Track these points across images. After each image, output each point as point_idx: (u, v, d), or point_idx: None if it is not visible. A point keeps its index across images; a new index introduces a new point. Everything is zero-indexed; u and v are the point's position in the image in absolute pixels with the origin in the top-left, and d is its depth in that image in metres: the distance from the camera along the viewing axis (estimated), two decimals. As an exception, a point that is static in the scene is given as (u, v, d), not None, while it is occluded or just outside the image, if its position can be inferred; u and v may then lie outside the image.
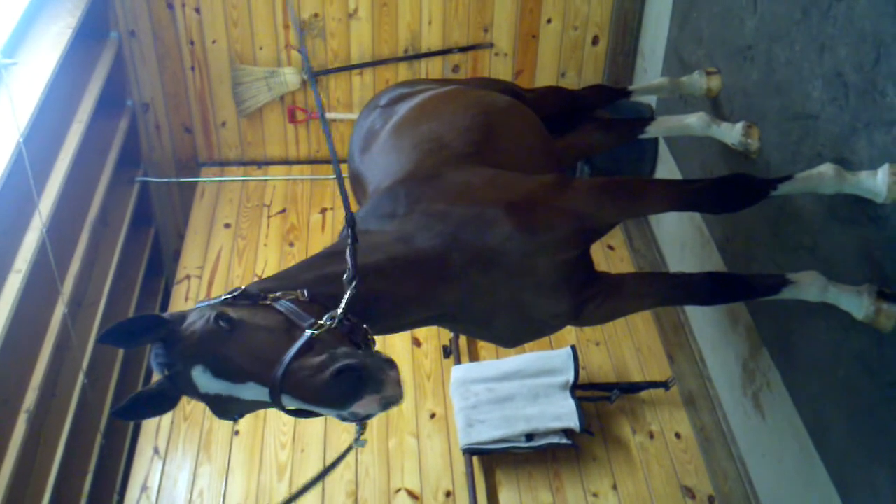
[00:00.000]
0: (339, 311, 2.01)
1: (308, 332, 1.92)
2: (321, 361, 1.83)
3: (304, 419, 2.02)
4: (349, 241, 2.14)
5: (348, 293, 2.06)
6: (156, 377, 2.07)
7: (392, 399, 1.82)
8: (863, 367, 2.64)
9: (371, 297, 2.17)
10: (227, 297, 2.08)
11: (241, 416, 2.04)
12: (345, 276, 2.10)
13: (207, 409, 2.01)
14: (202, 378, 1.91)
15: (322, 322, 1.97)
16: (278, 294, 2.08)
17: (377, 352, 1.94)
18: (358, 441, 2.01)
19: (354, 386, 1.78)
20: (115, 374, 4.24)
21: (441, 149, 2.70)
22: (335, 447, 3.88)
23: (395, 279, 2.30)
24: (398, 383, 1.84)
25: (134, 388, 4.46)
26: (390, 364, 1.86)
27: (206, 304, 2.05)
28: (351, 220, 2.18)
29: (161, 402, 2.02)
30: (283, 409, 1.89)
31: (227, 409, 1.97)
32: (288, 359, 1.85)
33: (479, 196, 2.47)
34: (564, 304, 2.61)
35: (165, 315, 2.01)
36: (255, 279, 3.39)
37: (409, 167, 2.64)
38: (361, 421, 1.85)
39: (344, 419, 1.82)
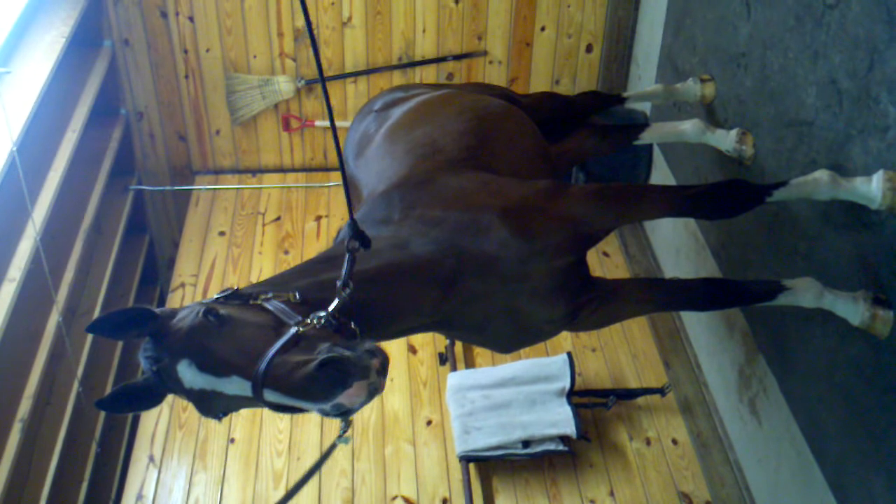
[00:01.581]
0: (328, 311, 2.00)
1: (294, 329, 1.91)
2: (304, 356, 1.82)
3: (283, 413, 1.98)
4: (347, 247, 2.13)
5: (339, 298, 2.05)
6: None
7: (374, 386, 1.80)
8: (859, 373, 2.64)
9: (366, 304, 2.16)
10: (219, 296, 2.08)
11: (226, 413, 2.02)
12: (338, 283, 2.10)
13: (196, 410, 1.99)
14: (188, 372, 1.90)
15: (308, 320, 1.96)
16: (269, 295, 2.08)
17: (362, 342, 1.91)
18: (341, 438, 2.00)
19: (335, 380, 1.76)
20: (109, 383, 4.22)
21: (435, 153, 2.70)
22: (332, 454, 3.86)
23: (391, 285, 2.29)
24: (380, 371, 1.82)
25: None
26: (373, 353, 1.84)
27: (193, 305, 2.05)
28: (355, 228, 2.17)
29: (146, 397, 2.00)
30: (264, 403, 1.87)
31: (212, 405, 1.95)
32: (271, 353, 1.84)
33: (474, 201, 2.47)
34: (560, 309, 2.61)
35: (156, 310, 2.00)
36: (251, 287, 3.39)
37: (404, 172, 2.64)
38: (343, 416, 1.83)
39: (326, 414, 1.80)
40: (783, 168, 3.04)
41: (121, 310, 1.96)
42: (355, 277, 2.11)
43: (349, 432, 1.99)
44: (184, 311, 2.01)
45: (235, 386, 1.88)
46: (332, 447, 2.08)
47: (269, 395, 1.84)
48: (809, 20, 2.85)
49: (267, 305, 2.04)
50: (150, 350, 1.95)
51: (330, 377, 1.77)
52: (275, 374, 1.82)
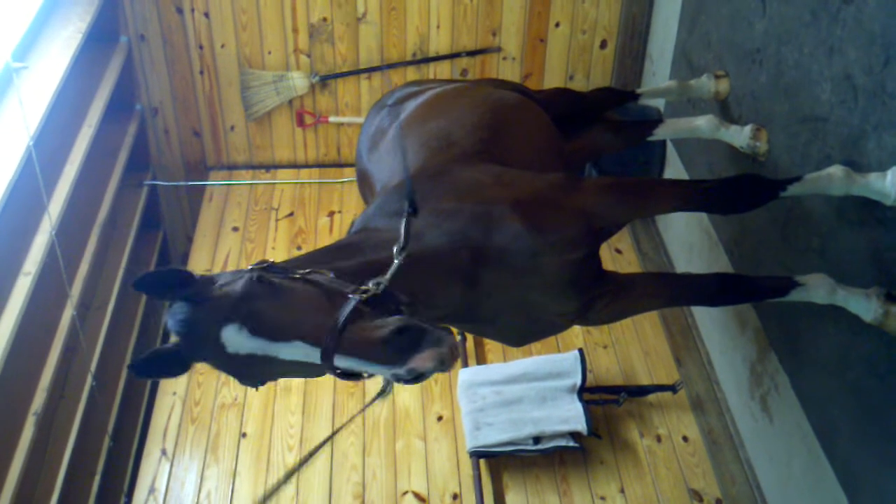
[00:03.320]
0: (387, 277, 2.02)
1: (356, 297, 1.92)
2: (377, 322, 1.85)
3: (346, 380, 1.99)
4: (406, 211, 2.17)
5: (398, 261, 2.08)
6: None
7: (447, 356, 1.80)
8: (871, 370, 2.63)
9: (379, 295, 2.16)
10: (255, 266, 2.05)
11: (265, 382, 2.02)
12: (395, 247, 2.13)
13: (234, 377, 1.99)
14: (236, 337, 1.88)
15: (367, 287, 1.97)
16: (308, 270, 2.08)
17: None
18: (384, 394, 2.06)
19: (414, 342, 1.79)
20: (122, 377, 4.24)
21: (449, 146, 2.70)
22: (342, 449, 3.88)
23: (404, 277, 2.29)
24: (455, 346, 1.84)
25: (141, 391, 4.47)
26: (446, 329, 1.87)
27: (231, 273, 2.04)
28: (410, 190, 2.18)
29: (175, 363, 1.98)
30: (333, 369, 1.88)
31: (256, 371, 1.95)
32: (342, 318, 1.85)
33: (488, 194, 2.47)
34: (572, 303, 2.61)
35: (196, 275, 1.99)
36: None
37: (417, 165, 2.64)
38: (415, 381, 1.83)
39: (398, 378, 1.82)
40: (797, 164, 3.03)
41: (164, 270, 1.97)
42: (368, 269, 2.12)
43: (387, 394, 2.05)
44: (225, 276, 2.01)
45: (297, 351, 1.88)
46: (374, 399, 2.11)
47: (340, 361, 1.85)
48: (825, 15, 2.83)
49: (316, 278, 2.04)
50: (188, 314, 1.93)
51: (406, 341, 1.79)
52: (347, 338, 1.84)
